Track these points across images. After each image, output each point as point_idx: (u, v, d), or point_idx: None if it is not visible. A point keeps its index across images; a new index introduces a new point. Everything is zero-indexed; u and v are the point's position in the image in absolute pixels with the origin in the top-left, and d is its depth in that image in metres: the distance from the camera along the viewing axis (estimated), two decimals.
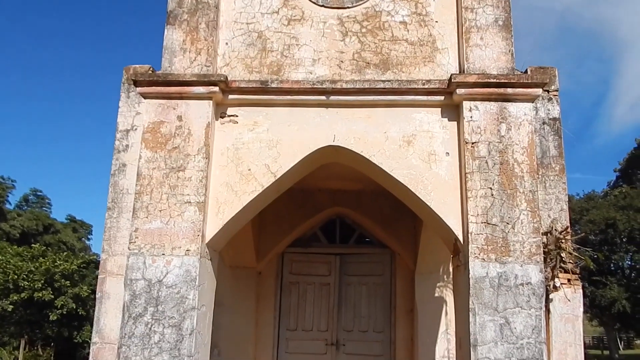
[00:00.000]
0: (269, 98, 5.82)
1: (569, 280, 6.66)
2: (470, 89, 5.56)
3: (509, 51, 5.76)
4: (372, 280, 10.16)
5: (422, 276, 9.38)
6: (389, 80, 5.75)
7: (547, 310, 6.42)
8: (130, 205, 6.52)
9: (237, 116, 5.87)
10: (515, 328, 5.13)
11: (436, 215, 5.60)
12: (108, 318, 6.89)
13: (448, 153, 5.66)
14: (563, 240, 6.59)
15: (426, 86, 5.68)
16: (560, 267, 6.55)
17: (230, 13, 6.16)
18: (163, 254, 5.43)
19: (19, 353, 24.49)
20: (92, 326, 7.08)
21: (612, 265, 39.04)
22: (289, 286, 10.24)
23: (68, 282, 23.85)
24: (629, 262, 38.94)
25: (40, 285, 22.92)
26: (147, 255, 5.44)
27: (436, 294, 9.17)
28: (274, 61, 5.99)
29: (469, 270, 5.27)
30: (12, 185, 45.18)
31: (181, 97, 5.76)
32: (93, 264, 25.78)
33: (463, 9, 5.90)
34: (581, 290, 6.79)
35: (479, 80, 5.54)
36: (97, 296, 7.07)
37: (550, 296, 6.52)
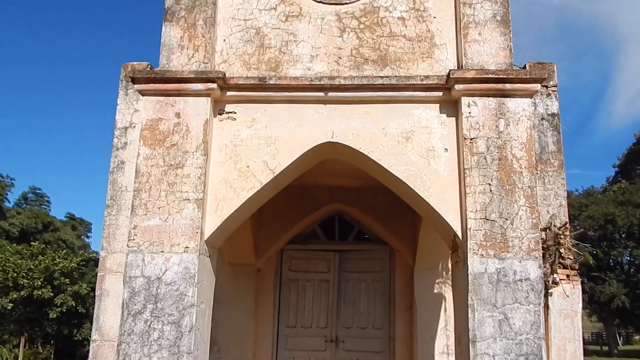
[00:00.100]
0: (267, 95, 5.81)
1: (567, 276, 6.67)
2: (469, 85, 5.54)
3: (507, 47, 5.75)
4: (371, 276, 10.17)
5: (421, 272, 9.38)
6: (387, 77, 5.74)
7: (546, 306, 6.42)
8: (129, 203, 6.52)
9: (235, 113, 5.86)
10: (514, 324, 5.13)
11: (435, 211, 5.60)
12: (107, 315, 6.89)
13: (447, 149, 5.65)
14: (562, 236, 6.58)
15: (424, 82, 5.66)
16: (559, 262, 6.55)
17: (228, 9, 6.15)
18: (162, 251, 5.43)
19: (19, 351, 24.51)
20: (91, 324, 7.08)
21: (611, 261, 39.13)
22: (288, 283, 10.24)
23: (67, 279, 23.88)
24: (628, 258, 39.03)
25: (39, 283, 22.96)
26: (146, 252, 5.44)
27: (435, 290, 9.18)
28: (272, 57, 5.98)
29: (467, 266, 5.27)
30: (11, 183, 45.24)
31: (179, 94, 5.74)
32: (92, 262, 25.81)
33: (461, 5, 5.88)
34: (580, 286, 6.79)
35: (477, 76, 5.53)
36: (96, 294, 7.07)
37: (549, 292, 6.52)
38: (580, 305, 6.72)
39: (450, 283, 8.35)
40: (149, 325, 5.28)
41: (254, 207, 6.26)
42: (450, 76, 5.51)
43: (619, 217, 36.58)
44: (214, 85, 5.66)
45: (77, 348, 27.11)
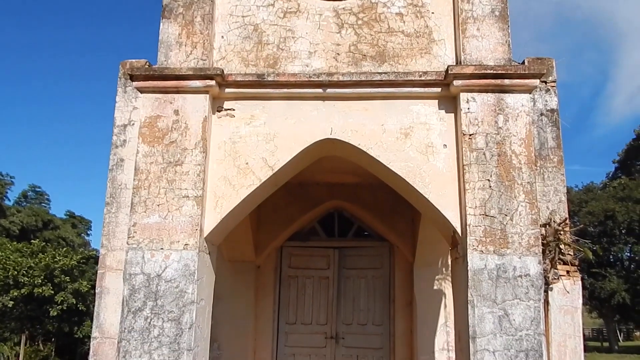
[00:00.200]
0: (265, 91, 5.80)
1: (568, 272, 6.66)
2: (467, 81, 5.53)
3: (506, 42, 5.73)
4: (370, 273, 10.17)
5: (420, 269, 9.38)
6: (385, 73, 5.73)
7: (546, 302, 6.42)
8: (128, 200, 6.52)
9: (234, 110, 5.85)
10: (514, 320, 5.13)
11: (434, 207, 5.59)
12: (108, 313, 6.89)
13: (445, 145, 5.64)
14: (562, 232, 6.58)
15: (423, 78, 5.65)
16: (559, 258, 6.54)
17: (226, 6, 6.13)
18: (162, 249, 5.43)
19: (20, 349, 24.55)
20: (92, 321, 7.08)
21: (611, 256, 39.15)
22: (288, 280, 10.25)
23: (68, 277, 23.93)
24: (628, 254, 39.07)
25: (40, 281, 23.00)
26: (146, 249, 5.44)
27: (435, 287, 9.19)
28: (270, 54, 5.97)
29: (467, 262, 5.26)
30: (10, 181, 45.25)
31: (178, 91, 5.73)
32: (92, 260, 25.86)
33: (459, 0, 5.87)
34: (580, 282, 6.78)
35: (476, 72, 5.51)
36: (96, 291, 7.07)
37: (549, 288, 6.51)
38: (581, 301, 6.71)
39: (450, 279, 8.34)
40: (149, 322, 5.28)
41: (253, 204, 6.25)
42: (449, 72, 5.50)
43: (619, 213, 36.59)
44: (212, 82, 5.65)
45: (77, 345, 27.18)
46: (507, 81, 5.54)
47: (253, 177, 5.67)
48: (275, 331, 10.00)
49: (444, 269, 9.14)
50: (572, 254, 6.65)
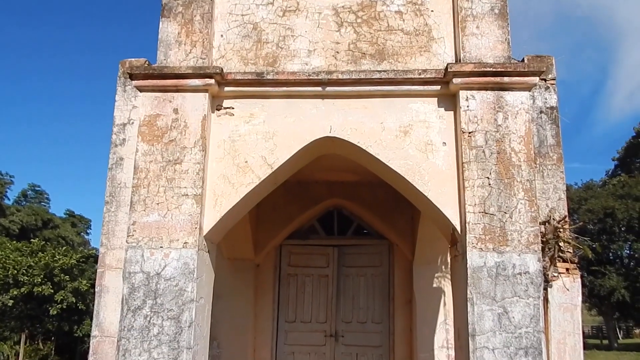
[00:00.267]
0: (264, 90, 5.80)
1: (567, 269, 6.66)
2: (467, 78, 5.53)
3: (506, 40, 5.73)
4: (370, 271, 10.17)
5: (420, 267, 9.38)
6: (385, 71, 5.73)
7: (546, 300, 6.41)
8: (128, 199, 6.51)
9: (233, 108, 5.85)
10: (513, 317, 5.13)
11: (433, 205, 5.60)
12: (107, 311, 6.88)
13: (445, 143, 5.64)
14: (561, 230, 6.57)
15: (422, 76, 5.65)
16: (559, 256, 6.54)
17: (225, 5, 6.13)
18: (161, 247, 5.43)
19: (19, 347, 24.57)
20: (92, 320, 7.08)
21: (610, 254, 39.18)
22: (288, 278, 10.25)
23: (67, 276, 23.95)
24: (628, 251, 39.10)
25: (39, 280, 23.02)
26: (145, 248, 5.44)
27: (434, 285, 9.19)
28: (269, 52, 5.97)
29: (466, 260, 5.27)
30: (10, 180, 45.33)
31: (177, 89, 5.73)
32: (92, 258, 25.88)
33: None
34: (580, 280, 6.77)
35: (475, 70, 5.51)
36: (96, 290, 7.06)
37: (549, 285, 6.51)
38: (580, 298, 6.71)
39: (449, 277, 8.34)
40: (149, 321, 5.28)
41: (253, 202, 6.25)
42: (448, 70, 5.50)
43: (618, 211, 36.62)
44: (212, 81, 5.65)
45: (77, 344, 27.23)
46: (506, 79, 5.54)
47: (252, 176, 5.67)
48: (275, 329, 10.00)
49: (443, 267, 9.14)
50: (571, 251, 6.65)
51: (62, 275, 23.67)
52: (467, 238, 5.29)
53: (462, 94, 5.57)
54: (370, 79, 5.68)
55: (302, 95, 5.80)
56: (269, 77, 5.73)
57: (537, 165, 6.78)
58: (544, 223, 6.48)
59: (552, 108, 7.07)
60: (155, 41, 5.94)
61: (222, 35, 6.04)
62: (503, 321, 5.13)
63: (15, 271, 22.90)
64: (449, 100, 5.72)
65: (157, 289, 5.34)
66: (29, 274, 22.99)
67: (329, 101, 5.78)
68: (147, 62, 6.44)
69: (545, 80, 7.00)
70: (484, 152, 5.45)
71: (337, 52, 5.92)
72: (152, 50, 5.96)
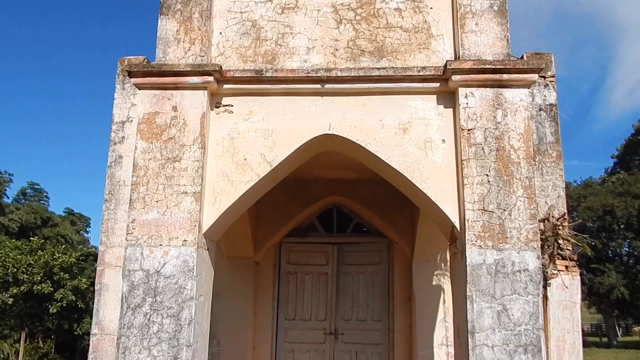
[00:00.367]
0: (263, 87, 5.79)
1: (566, 267, 6.67)
2: (466, 76, 5.52)
3: (505, 37, 5.73)
4: (369, 269, 10.18)
5: (419, 264, 9.38)
6: (384, 68, 5.73)
7: (545, 297, 6.43)
8: (127, 197, 6.52)
9: (232, 106, 5.84)
10: (512, 315, 5.13)
11: (433, 202, 5.59)
12: (107, 309, 6.90)
13: (444, 140, 5.64)
14: (560, 227, 6.58)
15: (421, 73, 5.64)
16: (558, 254, 6.55)
17: (224, 2, 6.12)
18: (160, 245, 5.43)
19: (19, 346, 24.56)
20: (91, 318, 7.09)
21: (610, 252, 39.21)
22: (287, 276, 10.25)
23: (67, 274, 23.94)
24: (627, 249, 39.13)
25: (39, 278, 23.01)
26: (145, 246, 5.44)
27: (434, 282, 9.19)
28: (268, 50, 5.96)
29: (466, 257, 5.27)
30: (9, 179, 45.29)
31: (176, 87, 5.73)
32: (92, 256, 25.85)
33: None
34: (579, 277, 6.79)
35: (475, 67, 5.50)
36: (96, 288, 7.08)
37: (548, 283, 6.52)
38: (579, 296, 6.73)
39: (448, 274, 8.35)
40: (149, 319, 5.28)
41: (252, 200, 6.25)
42: (447, 67, 5.50)
43: (617, 208, 36.66)
44: (211, 79, 5.64)
45: (77, 342, 27.22)
46: (505, 76, 5.53)
47: (251, 173, 5.67)
48: (275, 327, 10.01)
49: (442, 265, 9.13)
50: (570, 249, 6.66)
51: (61, 273, 23.66)
52: (467, 235, 5.29)
53: (461, 91, 5.56)
54: (370, 76, 5.67)
55: (301, 92, 5.79)
56: (268, 74, 5.73)
57: (536, 163, 6.79)
58: (543, 220, 6.49)
59: (551, 105, 7.08)
60: (154, 39, 5.94)
61: (220, 33, 6.03)
62: (502, 318, 5.13)
63: (15, 269, 22.89)
64: (448, 98, 5.71)
65: (156, 286, 5.34)
66: (28, 272, 22.99)
67: (328, 98, 5.77)
68: (145, 60, 6.45)
69: (544, 77, 7.01)
70: (483, 149, 5.44)
71: (336, 49, 5.91)
72: (151, 48, 5.95)
